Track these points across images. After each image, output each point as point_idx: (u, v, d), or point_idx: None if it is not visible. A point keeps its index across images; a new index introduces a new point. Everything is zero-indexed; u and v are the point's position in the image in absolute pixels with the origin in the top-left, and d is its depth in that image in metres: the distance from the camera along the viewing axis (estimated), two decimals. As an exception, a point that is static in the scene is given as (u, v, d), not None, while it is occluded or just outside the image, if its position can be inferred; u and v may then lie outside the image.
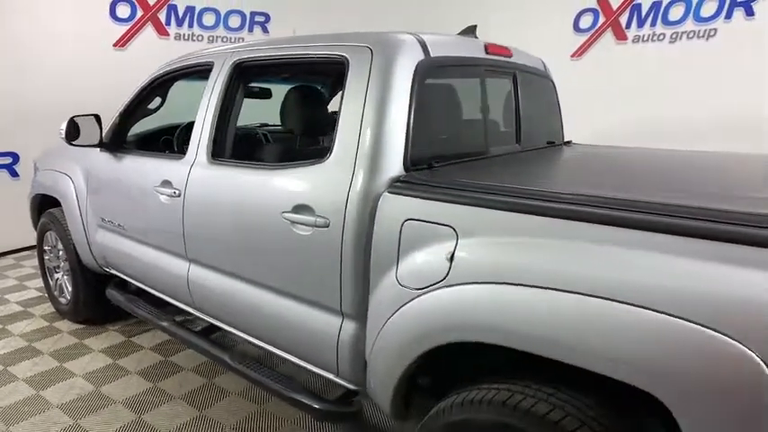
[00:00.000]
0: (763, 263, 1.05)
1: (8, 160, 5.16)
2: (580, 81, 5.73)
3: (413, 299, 1.57)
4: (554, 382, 1.38)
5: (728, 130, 4.73)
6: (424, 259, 1.55)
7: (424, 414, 1.62)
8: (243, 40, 6.33)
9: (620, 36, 5.59)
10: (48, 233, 3.66)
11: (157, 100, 3.02)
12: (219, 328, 2.53)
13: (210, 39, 6.21)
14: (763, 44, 4.55)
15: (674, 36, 5.21)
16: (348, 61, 1.86)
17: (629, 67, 5.53)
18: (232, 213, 2.14)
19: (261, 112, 3.52)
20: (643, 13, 5.41)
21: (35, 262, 4.27)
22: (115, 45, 5.60)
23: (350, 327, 1.81)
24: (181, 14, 5.98)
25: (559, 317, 1.26)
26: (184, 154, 2.43)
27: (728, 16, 4.80)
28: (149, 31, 5.80)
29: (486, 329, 1.39)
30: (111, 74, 5.16)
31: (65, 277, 3.63)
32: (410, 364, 1.59)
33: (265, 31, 6.52)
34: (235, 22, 6.34)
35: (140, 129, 3.27)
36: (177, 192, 2.39)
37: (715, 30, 4.90)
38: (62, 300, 3.70)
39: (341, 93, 1.86)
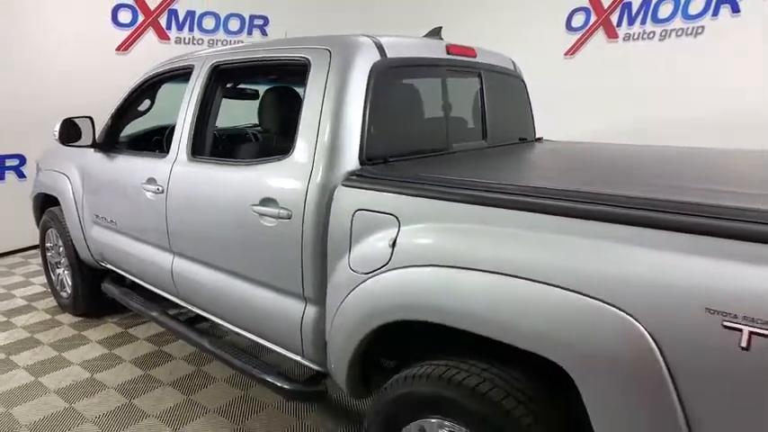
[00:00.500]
0: (648, 242, 1.16)
1: (15, 162, 5.37)
2: (573, 79, 5.84)
3: (362, 282, 1.69)
4: (488, 360, 1.49)
5: (716, 126, 4.78)
6: (371, 246, 1.68)
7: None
8: (242, 42, 6.50)
9: (612, 34, 5.65)
10: (49, 231, 3.85)
11: (147, 102, 3.17)
12: (205, 318, 2.67)
13: (211, 42, 6.39)
14: (749, 40, 4.60)
15: (663, 34, 5.27)
16: (309, 62, 1.99)
17: (620, 65, 5.59)
18: (209, 207, 2.28)
19: (251, 113, 3.67)
20: (633, 12, 5.48)
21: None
22: (117, 49, 5.80)
23: (312, 311, 1.94)
24: (181, 19, 6.16)
25: (480, 295, 1.38)
26: (168, 153, 2.58)
27: (715, 13, 4.86)
28: (151, 35, 5.99)
29: (421, 308, 1.52)
30: (114, 77, 5.32)
31: (65, 273, 3.80)
32: (361, 341, 1.71)
33: (264, 33, 6.68)
34: (234, 25, 6.51)
35: (135, 130, 3.44)
36: (161, 188, 2.54)
37: (702, 27, 4.96)
38: (63, 294, 3.88)
39: (303, 92, 1.99)
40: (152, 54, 5.93)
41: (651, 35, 5.36)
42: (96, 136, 3.10)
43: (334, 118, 1.87)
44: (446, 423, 1.52)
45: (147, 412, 2.67)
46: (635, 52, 5.48)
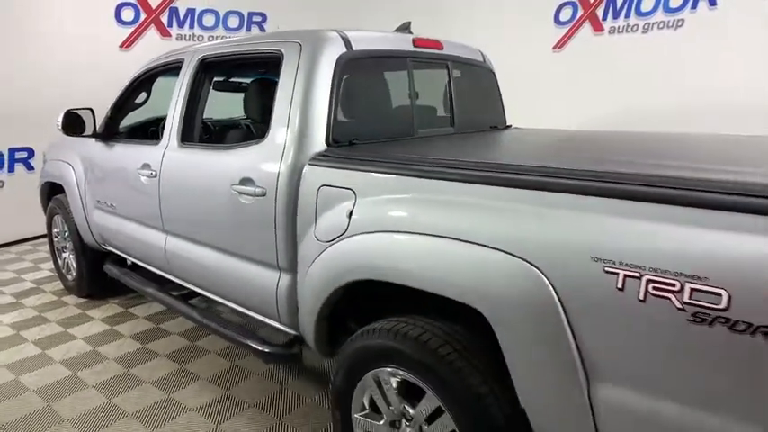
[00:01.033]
0: (548, 203, 1.37)
1: (24, 155, 5.64)
2: (562, 72, 6.01)
3: (324, 250, 1.91)
4: (432, 317, 1.71)
5: (696, 115, 4.94)
6: (333, 217, 1.89)
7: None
8: (241, 39, 6.71)
9: (597, 28, 5.81)
10: (55, 217, 4.10)
11: (143, 95, 3.40)
12: (197, 295, 2.90)
13: (211, 39, 6.60)
14: (725, 32, 4.75)
15: (646, 27, 5.42)
16: (283, 55, 2.20)
17: (606, 58, 5.75)
18: (195, 188, 2.51)
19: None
20: (618, 5, 5.63)
21: (49, 247, 4.72)
22: (121, 46, 6.04)
23: (285, 279, 2.16)
24: (182, 16, 6.39)
25: (416, 254, 1.60)
26: (161, 140, 2.81)
27: (694, 6, 5.01)
28: (152, 32, 6.22)
29: (369, 269, 1.74)
30: (118, 73, 5.56)
31: (71, 256, 4.05)
32: (325, 302, 1.93)
33: (262, 29, 6.90)
34: (233, 22, 6.73)
35: (135, 121, 3.68)
36: (154, 173, 2.77)
37: (682, 20, 5.11)
38: (69, 277, 4.14)
39: (277, 82, 2.20)
40: (154, 50, 6.08)
41: (635, 28, 5.51)
42: (97, 127, 3.34)
43: (304, 105, 2.09)
44: (399, 372, 1.73)
45: (144, 379, 2.91)
46: (620, 45, 5.64)
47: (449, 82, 2.77)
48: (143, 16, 6.12)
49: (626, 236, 1.24)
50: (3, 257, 5.19)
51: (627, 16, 5.56)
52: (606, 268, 1.25)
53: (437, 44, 2.66)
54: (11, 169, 5.60)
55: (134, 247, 3.22)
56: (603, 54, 5.76)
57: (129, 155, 3.06)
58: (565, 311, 1.32)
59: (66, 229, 3.96)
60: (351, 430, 1.95)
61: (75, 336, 3.44)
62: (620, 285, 1.23)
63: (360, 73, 2.29)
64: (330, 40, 2.15)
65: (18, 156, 5.61)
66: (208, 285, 2.66)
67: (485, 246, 1.45)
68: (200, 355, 3.18)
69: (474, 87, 2.98)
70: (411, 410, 1.74)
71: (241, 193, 2.22)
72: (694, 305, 1.14)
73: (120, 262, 3.66)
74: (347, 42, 2.18)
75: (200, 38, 6.55)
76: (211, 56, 2.63)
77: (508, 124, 3.25)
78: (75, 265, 4.01)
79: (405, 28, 2.72)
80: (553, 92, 5.93)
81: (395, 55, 2.45)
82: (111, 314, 3.79)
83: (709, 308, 1.13)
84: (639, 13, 5.46)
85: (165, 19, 6.29)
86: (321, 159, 2.00)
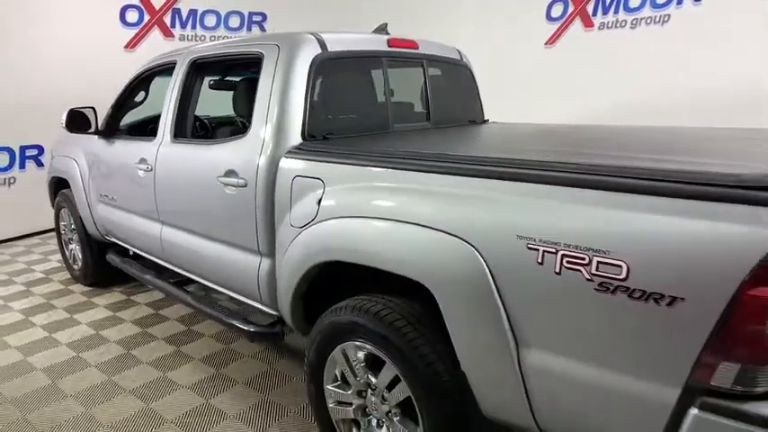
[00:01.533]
0: (483, 189, 1.54)
1: (34, 152, 5.88)
2: (554, 67, 6.14)
3: (298, 235, 2.09)
4: (393, 294, 1.88)
5: (683, 108, 5.05)
6: (305, 204, 2.08)
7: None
8: (241, 38, 6.90)
9: (588, 23, 5.93)
10: (62, 210, 4.33)
11: (142, 94, 3.60)
12: (192, 281, 3.09)
13: (213, 39, 6.80)
14: (709, 27, 4.86)
15: (634, 22, 5.54)
16: (263, 56, 2.38)
17: (597, 53, 5.87)
18: (186, 180, 2.70)
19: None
20: (607, 1, 5.75)
21: (57, 238, 4.95)
22: (126, 47, 6.26)
23: (265, 263, 2.35)
24: (184, 17, 6.60)
25: (373, 236, 1.77)
26: (156, 136, 3.00)
27: (679, 2, 5.12)
28: (156, 33, 6.44)
29: (334, 250, 1.92)
30: (123, 73, 5.78)
31: (77, 248, 4.28)
32: (299, 282, 2.11)
33: (263, 29, 7.09)
34: (234, 22, 6.93)
35: (136, 119, 3.89)
36: (150, 167, 2.97)
37: (668, 15, 5.23)
38: (75, 267, 4.36)
39: (258, 81, 2.38)
40: (158, 51, 6.28)
41: (623, 23, 5.63)
42: (99, 124, 3.55)
43: (281, 102, 2.27)
44: (363, 345, 1.90)
45: (142, 360, 3.11)
46: (610, 40, 5.76)
47: (424, 79, 2.94)
48: (147, 18, 6.34)
49: (545, 216, 1.41)
50: (15, 250, 5.44)
51: (616, 12, 5.68)
52: (529, 245, 1.42)
53: (412, 44, 2.82)
54: (22, 166, 5.85)
55: (134, 237, 3.43)
56: (594, 49, 5.88)
57: (128, 150, 3.26)
58: (496, 284, 1.49)
59: (72, 221, 4.18)
60: (324, 401, 2.14)
61: (80, 321, 3.66)
62: (540, 260, 1.40)
63: (335, 72, 2.46)
64: (306, 42, 2.33)
65: (29, 153, 5.85)
66: (199, 271, 2.85)
67: (428, 227, 1.62)
68: (195, 338, 3.38)
69: (451, 84, 3.15)
70: (374, 380, 1.92)
71: (226, 184, 2.41)
72: (600, 276, 1.31)
73: (122, 252, 3.87)
74: (322, 44, 2.35)
75: (203, 38, 6.75)
76: (201, 57, 2.81)
77: (486, 119, 3.40)
78: (80, 256, 4.23)
79: (382, 29, 2.89)
80: (546, 86, 6.06)
81: (369, 55, 2.62)
82: (115, 301, 4.01)
83: (611, 278, 1.29)
84: (628, 9, 5.57)
85: (168, 20, 6.49)
86: (296, 152, 2.18)
